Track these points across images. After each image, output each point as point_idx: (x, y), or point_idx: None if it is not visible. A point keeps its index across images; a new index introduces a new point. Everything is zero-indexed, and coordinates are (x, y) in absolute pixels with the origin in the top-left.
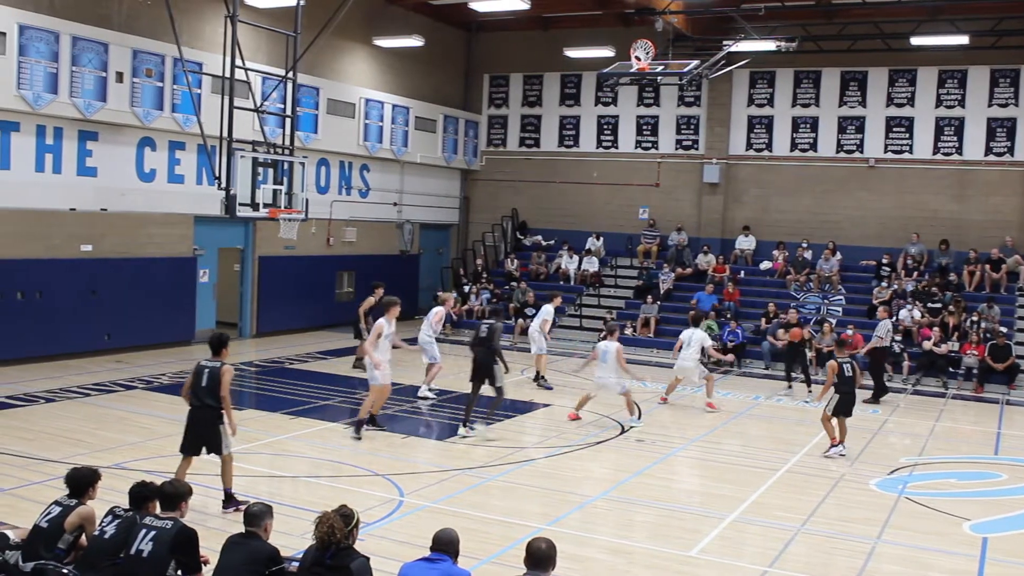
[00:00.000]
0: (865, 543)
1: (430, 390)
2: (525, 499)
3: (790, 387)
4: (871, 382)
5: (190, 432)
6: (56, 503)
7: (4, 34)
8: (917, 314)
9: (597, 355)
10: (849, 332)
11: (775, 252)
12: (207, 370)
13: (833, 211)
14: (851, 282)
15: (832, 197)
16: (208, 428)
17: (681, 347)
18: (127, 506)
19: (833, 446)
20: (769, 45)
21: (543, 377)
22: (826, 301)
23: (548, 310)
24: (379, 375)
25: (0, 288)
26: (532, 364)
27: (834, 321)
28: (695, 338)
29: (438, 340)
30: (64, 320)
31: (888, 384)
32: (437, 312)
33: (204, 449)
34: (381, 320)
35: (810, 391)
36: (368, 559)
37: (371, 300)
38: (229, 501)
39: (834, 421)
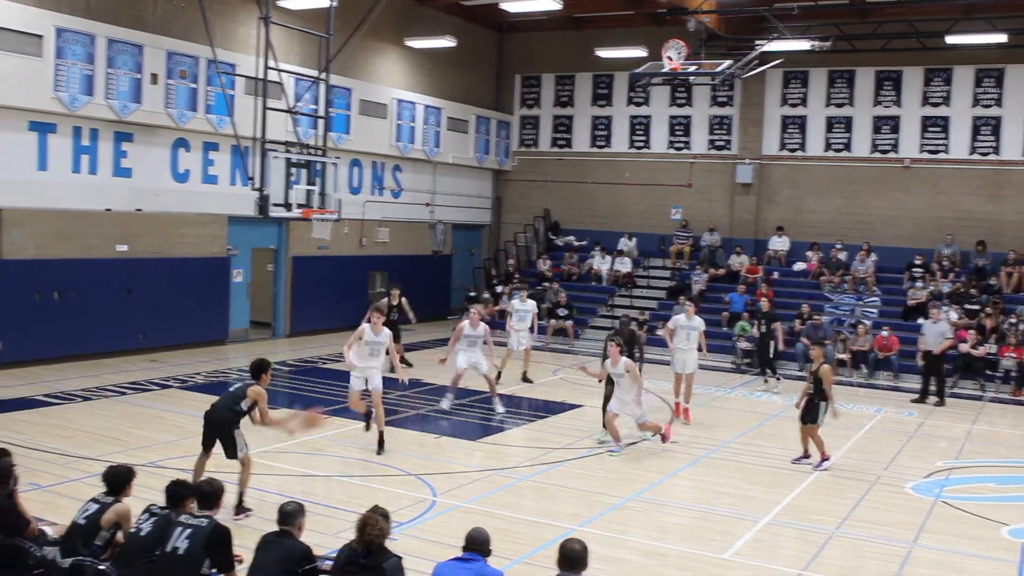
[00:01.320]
0: (901, 547)
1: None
2: (557, 500)
3: (766, 381)
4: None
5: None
6: (93, 500)
7: (41, 37)
8: (954, 316)
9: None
10: (884, 334)
11: (809, 253)
12: (238, 383)
13: (867, 211)
14: (886, 283)
15: (866, 197)
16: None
17: (673, 335)
18: (163, 504)
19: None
20: (803, 44)
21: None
22: (861, 302)
23: (532, 305)
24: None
25: (38, 288)
26: (563, 364)
27: (869, 323)
28: (695, 325)
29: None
30: (100, 319)
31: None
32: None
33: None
34: (364, 325)
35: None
36: (401, 558)
37: (385, 301)
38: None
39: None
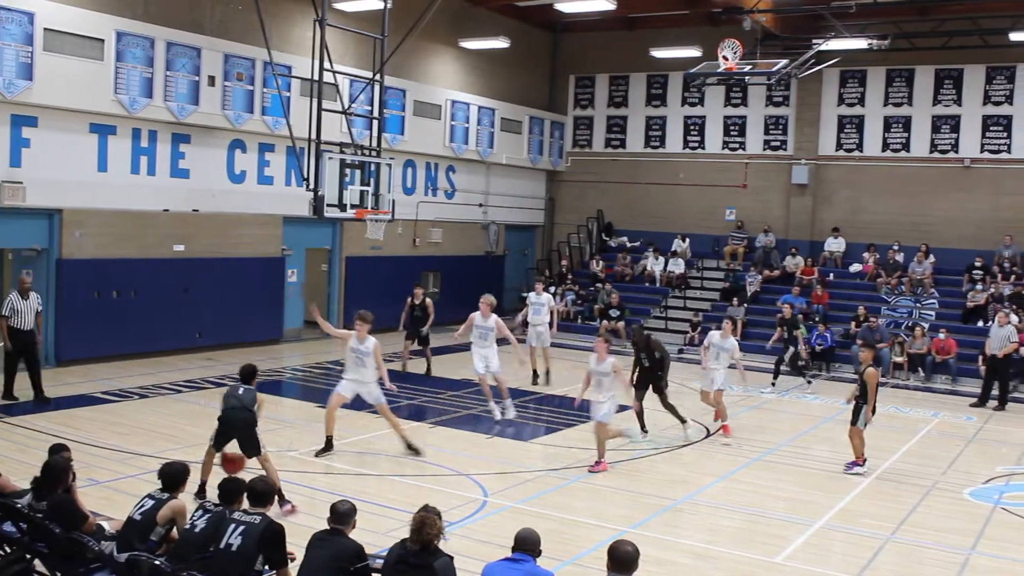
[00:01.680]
0: (958, 554)
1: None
2: (609, 501)
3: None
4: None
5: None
6: (149, 496)
7: (102, 41)
8: (1015, 319)
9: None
10: (941, 336)
11: (865, 254)
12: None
13: (926, 212)
14: (945, 285)
15: (925, 198)
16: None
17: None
18: (216, 501)
19: (858, 463)
20: (860, 43)
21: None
22: (918, 305)
23: (547, 298)
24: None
25: (97, 287)
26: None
27: (926, 325)
28: (727, 346)
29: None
30: (157, 318)
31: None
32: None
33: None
34: (350, 332)
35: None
36: (452, 558)
37: (409, 301)
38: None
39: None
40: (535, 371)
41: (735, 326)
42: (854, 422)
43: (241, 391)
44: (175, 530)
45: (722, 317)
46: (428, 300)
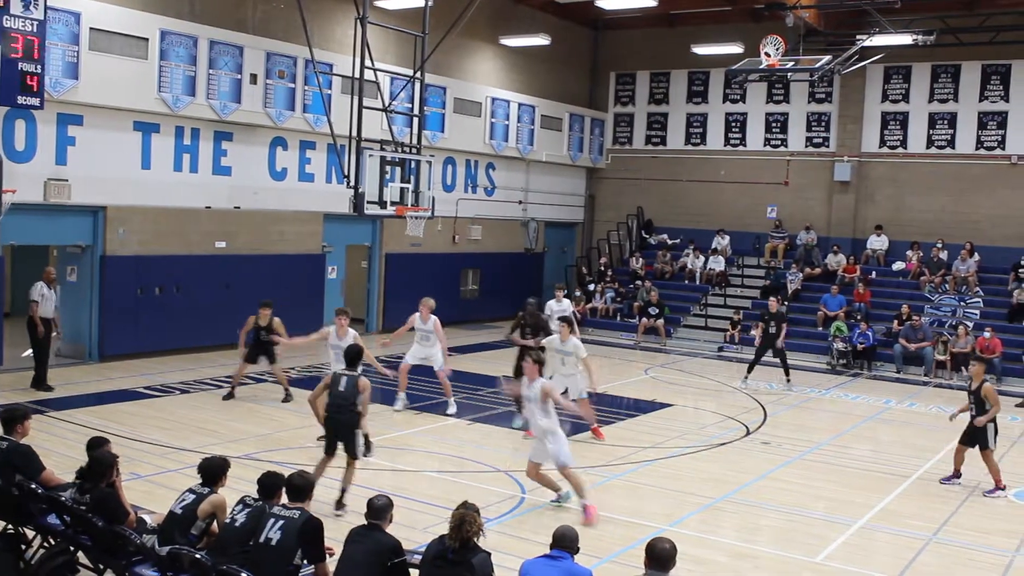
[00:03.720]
0: (1002, 556)
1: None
2: (647, 499)
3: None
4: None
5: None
6: (190, 491)
7: (147, 40)
8: None
9: None
10: (987, 335)
11: (909, 252)
12: (344, 378)
13: (971, 210)
14: (990, 284)
15: (970, 196)
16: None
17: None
18: (256, 495)
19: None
20: (905, 39)
21: None
22: (962, 303)
23: (567, 304)
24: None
25: (140, 283)
26: (655, 363)
27: (970, 324)
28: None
29: None
30: (199, 314)
31: None
32: None
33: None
34: (329, 328)
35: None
36: (489, 554)
37: (252, 320)
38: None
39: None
40: None
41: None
42: (984, 445)
43: (342, 385)
44: (215, 524)
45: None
46: (277, 321)
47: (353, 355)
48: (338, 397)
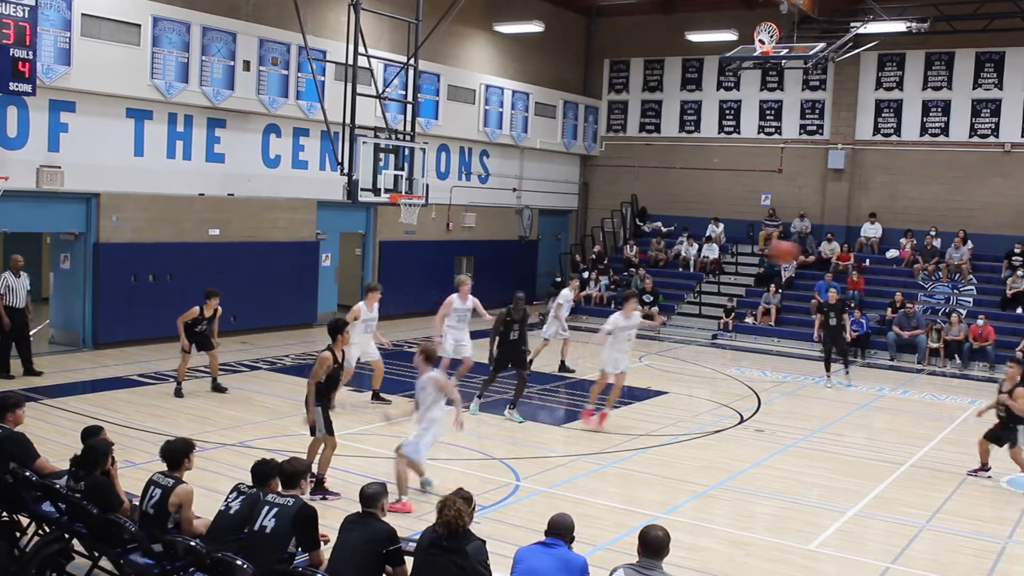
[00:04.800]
0: (995, 543)
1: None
2: (641, 486)
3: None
4: None
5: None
6: (154, 483)
7: (139, 26)
8: None
9: None
10: (980, 323)
11: (902, 240)
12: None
13: (965, 198)
14: (983, 271)
15: (964, 183)
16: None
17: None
18: (250, 483)
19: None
20: (899, 26)
21: (563, 362)
22: (955, 291)
23: (565, 294)
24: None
25: (134, 271)
26: (649, 351)
27: (963, 312)
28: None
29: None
30: (192, 302)
31: None
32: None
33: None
34: (360, 304)
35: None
36: (484, 542)
37: (196, 310)
38: (318, 487)
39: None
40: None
41: (769, 312)
42: (1014, 443)
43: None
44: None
45: (757, 303)
46: (220, 311)
47: (331, 328)
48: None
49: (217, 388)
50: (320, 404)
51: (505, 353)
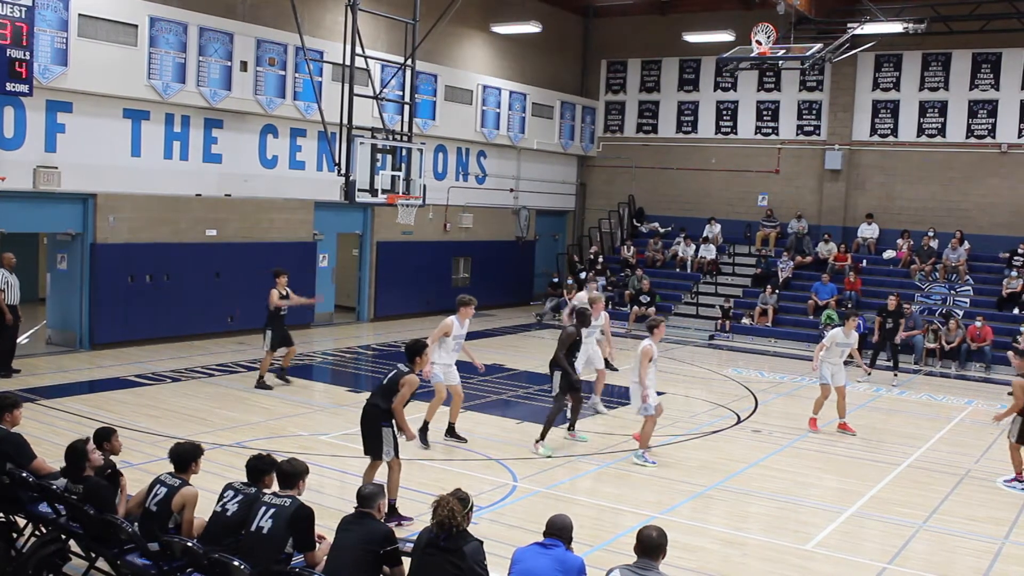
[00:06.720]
0: (991, 543)
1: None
2: (638, 487)
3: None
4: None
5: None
6: (160, 482)
7: (136, 26)
8: None
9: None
10: (978, 324)
11: (899, 241)
12: (393, 372)
13: (962, 198)
14: (980, 272)
15: (961, 184)
16: (370, 427)
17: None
18: (244, 481)
19: (1018, 479)
20: (896, 27)
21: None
22: (952, 292)
23: (581, 297)
24: (439, 374)
25: (130, 271)
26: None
27: (960, 313)
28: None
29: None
30: (190, 302)
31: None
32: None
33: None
34: (451, 318)
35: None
36: (481, 542)
37: (276, 292)
38: (392, 514)
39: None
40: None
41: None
42: (1020, 439)
43: (388, 376)
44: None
45: (754, 304)
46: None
47: (410, 350)
48: (378, 389)
49: (283, 378)
50: (388, 425)
51: (567, 378)
